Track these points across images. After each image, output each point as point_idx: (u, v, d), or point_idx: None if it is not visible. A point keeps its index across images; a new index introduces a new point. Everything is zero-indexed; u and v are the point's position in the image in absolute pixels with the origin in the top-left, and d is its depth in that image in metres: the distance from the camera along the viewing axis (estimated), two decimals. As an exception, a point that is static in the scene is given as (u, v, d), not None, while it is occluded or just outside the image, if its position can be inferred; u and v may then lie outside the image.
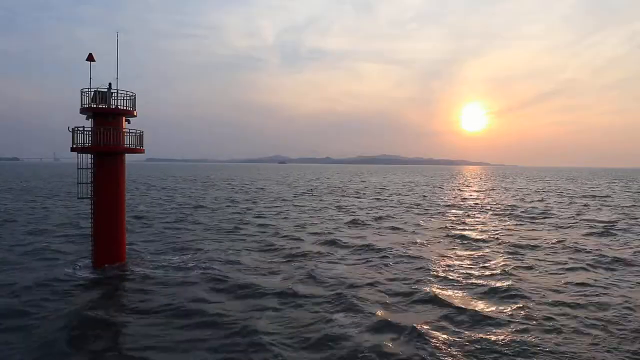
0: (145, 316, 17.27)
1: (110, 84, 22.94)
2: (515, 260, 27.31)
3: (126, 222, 25.27)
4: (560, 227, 41.40)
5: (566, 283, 22.27)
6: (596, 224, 43.10)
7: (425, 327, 16.25)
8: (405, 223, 43.44)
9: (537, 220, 46.16)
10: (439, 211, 54.68)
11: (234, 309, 18.18)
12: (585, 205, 63.20)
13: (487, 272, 24.29)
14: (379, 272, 24.18)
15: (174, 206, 56.37)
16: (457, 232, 37.82)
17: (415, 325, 16.20)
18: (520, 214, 51.93)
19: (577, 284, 22.08)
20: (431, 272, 24.10)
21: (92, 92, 22.60)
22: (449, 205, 62.36)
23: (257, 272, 24.03)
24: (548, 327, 16.37)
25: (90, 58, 22.88)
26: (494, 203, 66.73)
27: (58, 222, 40.85)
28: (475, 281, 22.54)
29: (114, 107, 22.93)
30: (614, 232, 38.10)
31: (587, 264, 26.41)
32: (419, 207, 59.87)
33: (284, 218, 46.46)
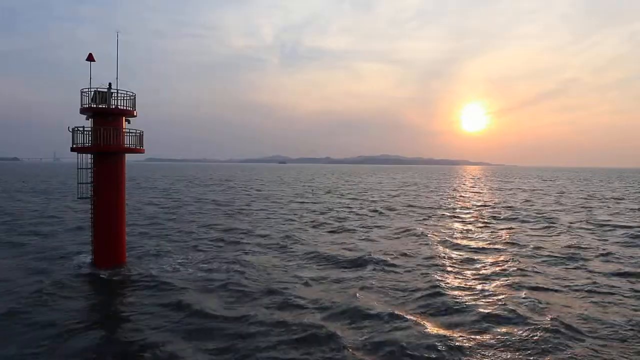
0: (142, 316, 17.25)
1: (110, 84, 22.97)
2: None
3: (127, 222, 25.27)
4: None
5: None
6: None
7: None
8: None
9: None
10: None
11: (232, 310, 18.19)
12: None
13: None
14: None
15: (176, 207, 56.37)
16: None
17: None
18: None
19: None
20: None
21: (92, 92, 22.62)
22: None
23: (262, 273, 24.04)
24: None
25: (90, 58, 22.91)
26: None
27: (59, 221, 40.92)
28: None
29: (114, 107, 22.95)
30: None
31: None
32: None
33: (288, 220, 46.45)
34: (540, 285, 21.58)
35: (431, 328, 16.06)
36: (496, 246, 31.55)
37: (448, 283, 21.85)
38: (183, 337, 15.34)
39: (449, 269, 24.85)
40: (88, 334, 15.39)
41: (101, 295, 19.99)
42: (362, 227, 40.55)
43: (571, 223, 43.89)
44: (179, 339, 15.11)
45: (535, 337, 15.20)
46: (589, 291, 20.85)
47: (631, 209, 58.13)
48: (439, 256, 27.72)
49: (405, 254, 28.38)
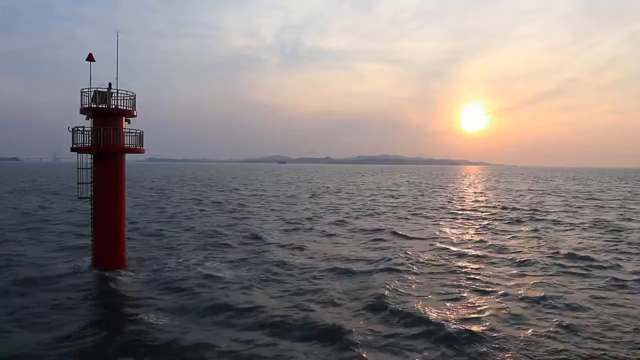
0: (141, 316, 17.18)
1: (110, 83, 22.95)
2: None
3: (126, 222, 25.22)
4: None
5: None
6: None
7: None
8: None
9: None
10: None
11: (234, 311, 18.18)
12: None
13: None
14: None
15: (175, 208, 56.37)
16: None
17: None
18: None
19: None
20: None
21: (92, 92, 22.60)
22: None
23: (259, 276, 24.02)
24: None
25: (90, 58, 22.90)
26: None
27: (59, 220, 40.91)
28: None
29: (114, 107, 22.94)
30: None
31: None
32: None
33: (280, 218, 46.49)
34: (515, 292, 20.50)
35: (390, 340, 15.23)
36: (475, 250, 30.25)
37: (405, 291, 20.74)
38: (178, 342, 15.27)
39: (413, 275, 23.67)
40: (85, 338, 15.23)
41: (97, 296, 19.89)
42: (349, 229, 40.63)
43: (558, 223, 44.12)
44: (175, 344, 14.98)
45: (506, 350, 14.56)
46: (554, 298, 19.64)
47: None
48: (407, 260, 26.54)
49: (371, 260, 27.01)
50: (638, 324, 16.72)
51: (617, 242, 33.84)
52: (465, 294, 20.34)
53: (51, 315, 17.15)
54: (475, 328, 16.08)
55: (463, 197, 79.02)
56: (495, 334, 15.61)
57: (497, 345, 14.74)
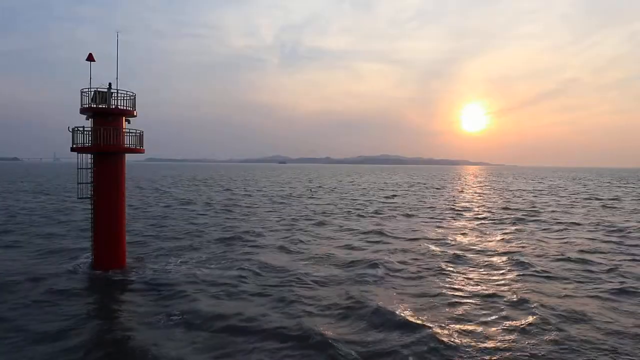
0: (141, 318, 17.14)
1: (110, 83, 22.92)
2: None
3: (127, 222, 25.16)
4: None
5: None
6: None
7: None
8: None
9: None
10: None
11: (234, 312, 18.19)
12: None
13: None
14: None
15: (176, 208, 56.31)
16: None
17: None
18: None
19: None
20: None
21: (92, 92, 22.57)
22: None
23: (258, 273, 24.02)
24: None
25: (90, 58, 22.87)
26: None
27: (59, 220, 40.85)
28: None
29: (114, 107, 22.90)
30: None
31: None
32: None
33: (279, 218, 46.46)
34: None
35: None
36: (471, 253, 29.66)
37: (399, 294, 20.47)
38: (179, 340, 15.27)
39: (408, 278, 23.34)
40: (83, 340, 15.06)
41: (96, 296, 19.82)
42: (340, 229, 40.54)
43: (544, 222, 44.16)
44: (174, 347, 14.94)
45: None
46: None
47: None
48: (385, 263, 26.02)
49: (365, 262, 26.43)
50: (638, 325, 16.76)
51: (617, 243, 33.85)
52: (459, 298, 20.07)
53: (50, 316, 17.06)
54: (469, 332, 16.00)
55: (461, 198, 79.02)
56: (490, 337, 15.56)
57: (492, 350, 14.65)
